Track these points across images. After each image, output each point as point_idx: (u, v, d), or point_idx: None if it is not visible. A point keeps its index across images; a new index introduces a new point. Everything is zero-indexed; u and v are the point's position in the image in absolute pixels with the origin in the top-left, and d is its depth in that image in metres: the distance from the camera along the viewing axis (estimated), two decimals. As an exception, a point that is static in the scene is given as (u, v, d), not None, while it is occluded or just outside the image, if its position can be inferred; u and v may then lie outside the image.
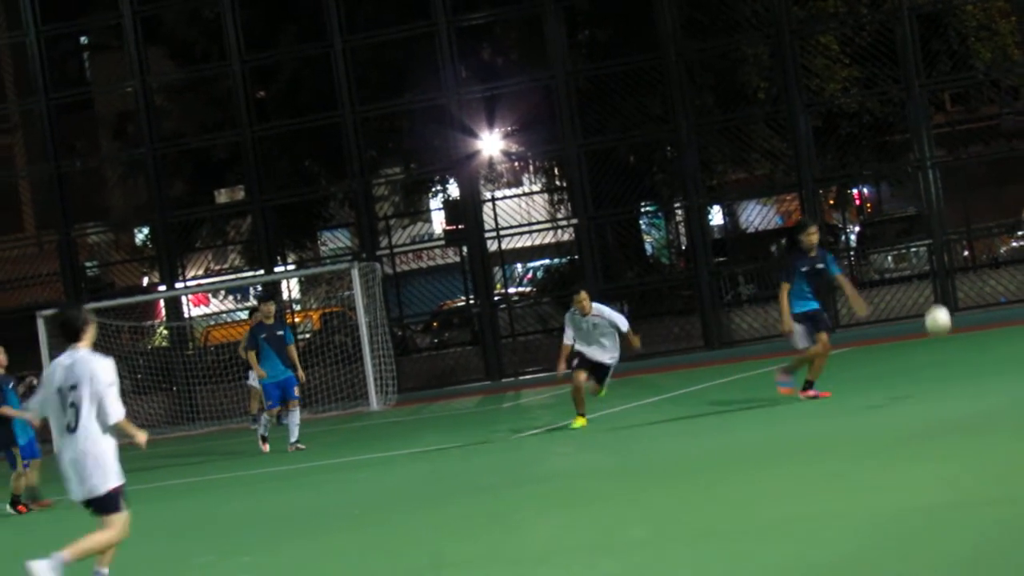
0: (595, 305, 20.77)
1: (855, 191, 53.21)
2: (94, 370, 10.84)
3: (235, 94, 38.37)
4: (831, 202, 50.04)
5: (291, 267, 43.66)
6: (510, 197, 41.14)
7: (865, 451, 14.24)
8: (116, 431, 10.95)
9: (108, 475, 10.89)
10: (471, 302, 39.40)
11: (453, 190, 43.15)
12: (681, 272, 42.79)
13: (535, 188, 44.41)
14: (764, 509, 11.78)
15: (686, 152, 36.39)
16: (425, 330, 43.90)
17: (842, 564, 9.32)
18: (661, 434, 19.01)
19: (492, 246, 38.88)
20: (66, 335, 11.09)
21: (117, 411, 10.85)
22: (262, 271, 38.69)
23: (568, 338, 20.79)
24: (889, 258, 41.77)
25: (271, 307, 25.01)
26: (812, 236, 19.27)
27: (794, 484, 12.90)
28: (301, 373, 24.64)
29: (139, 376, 35.15)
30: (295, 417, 24.24)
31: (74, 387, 10.85)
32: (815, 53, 37.22)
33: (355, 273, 33.59)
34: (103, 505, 10.97)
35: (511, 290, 45.15)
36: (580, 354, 20.76)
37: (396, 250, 40.85)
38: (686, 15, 37.06)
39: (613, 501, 13.48)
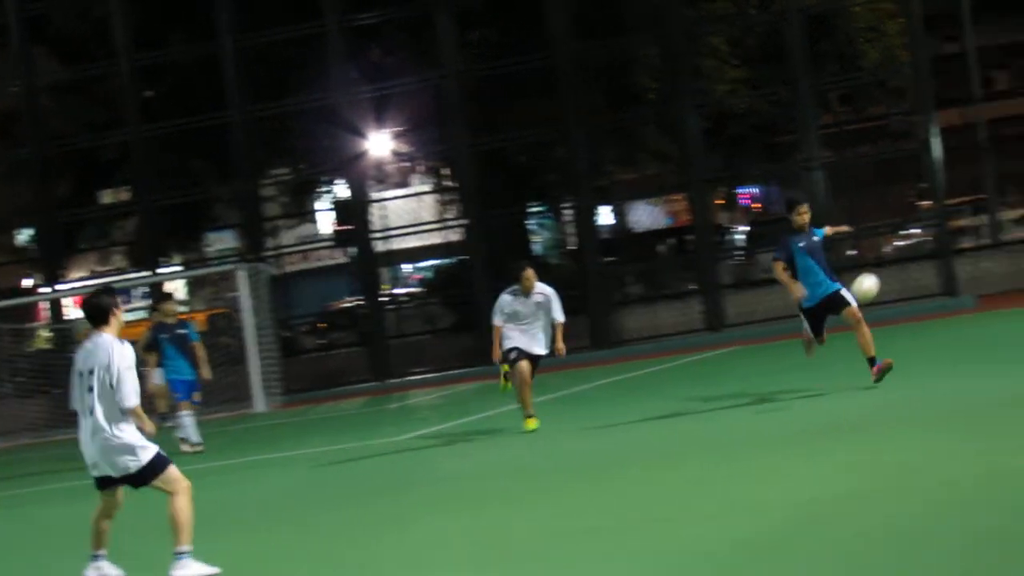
0: (540, 284, 18.73)
1: (743, 191, 53.57)
2: (111, 355, 10.87)
3: (123, 93, 37.96)
4: (722, 202, 50.32)
5: (177, 268, 43.22)
6: (400, 197, 41.03)
7: (756, 448, 14.31)
8: (129, 417, 10.95)
9: (136, 451, 10.94)
10: (358, 302, 39.23)
11: (342, 190, 42.95)
12: (570, 271, 42.74)
13: (424, 188, 44.27)
14: (658, 504, 11.86)
15: (576, 153, 36.39)
16: (312, 331, 43.69)
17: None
18: (552, 434, 18.91)
19: (381, 246, 38.70)
20: (92, 320, 11.13)
21: (130, 397, 10.84)
22: (147, 272, 38.27)
23: (498, 319, 18.68)
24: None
25: (172, 306, 24.32)
26: (804, 216, 18.13)
27: (680, 482, 12.95)
28: (206, 371, 23.87)
29: (20, 379, 34.63)
30: (185, 419, 23.90)
31: (91, 371, 10.92)
32: (705, 54, 37.38)
33: (241, 274, 33.30)
34: (146, 475, 11.05)
35: (399, 290, 45.05)
36: (516, 347, 18.65)
37: (283, 251, 40.59)
38: (577, 16, 37.04)
39: (504, 501, 13.41)
